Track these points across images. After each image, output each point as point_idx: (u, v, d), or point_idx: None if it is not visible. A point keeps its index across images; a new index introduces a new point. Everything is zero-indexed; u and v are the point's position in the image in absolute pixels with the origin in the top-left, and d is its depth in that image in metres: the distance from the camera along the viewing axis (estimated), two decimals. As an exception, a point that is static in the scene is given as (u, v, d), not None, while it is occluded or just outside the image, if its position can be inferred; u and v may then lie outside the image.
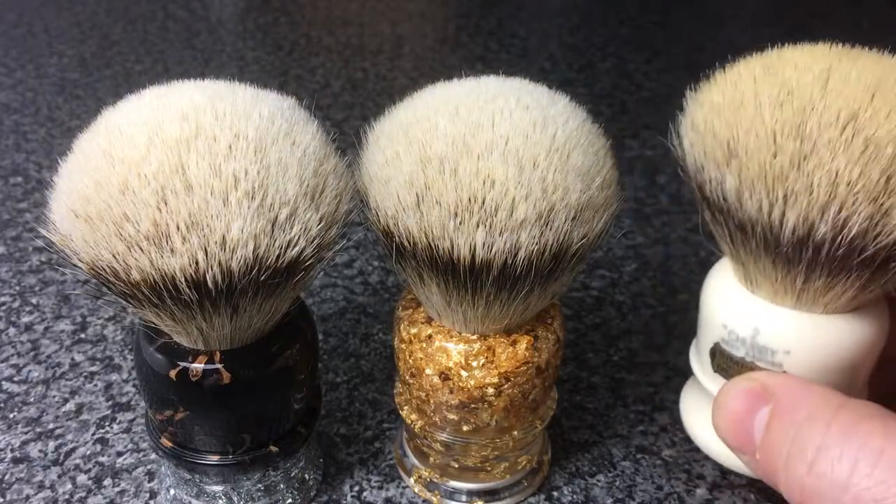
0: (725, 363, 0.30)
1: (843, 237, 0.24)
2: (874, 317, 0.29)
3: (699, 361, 0.32)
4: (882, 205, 0.24)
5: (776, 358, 0.28)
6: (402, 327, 0.31)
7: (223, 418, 0.29)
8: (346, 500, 0.34)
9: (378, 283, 0.48)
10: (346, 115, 0.69)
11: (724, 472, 0.36)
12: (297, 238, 0.25)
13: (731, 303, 0.30)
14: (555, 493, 0.35)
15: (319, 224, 0.26)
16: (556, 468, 0.36)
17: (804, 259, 0.26)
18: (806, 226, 0.25)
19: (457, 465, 0.33)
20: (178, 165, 0.24)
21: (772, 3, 1.06)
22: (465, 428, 0.31)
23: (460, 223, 0.26)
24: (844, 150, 0.23)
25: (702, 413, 0.32)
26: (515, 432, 0.32)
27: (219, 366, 0.28)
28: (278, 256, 0.25)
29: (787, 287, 0.27)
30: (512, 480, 0.34)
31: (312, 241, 0.26)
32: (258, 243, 0.25)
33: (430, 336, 0.30)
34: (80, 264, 0.26)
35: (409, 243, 0.27)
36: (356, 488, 0.35)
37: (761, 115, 0.25)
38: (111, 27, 0.88)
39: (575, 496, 0.35)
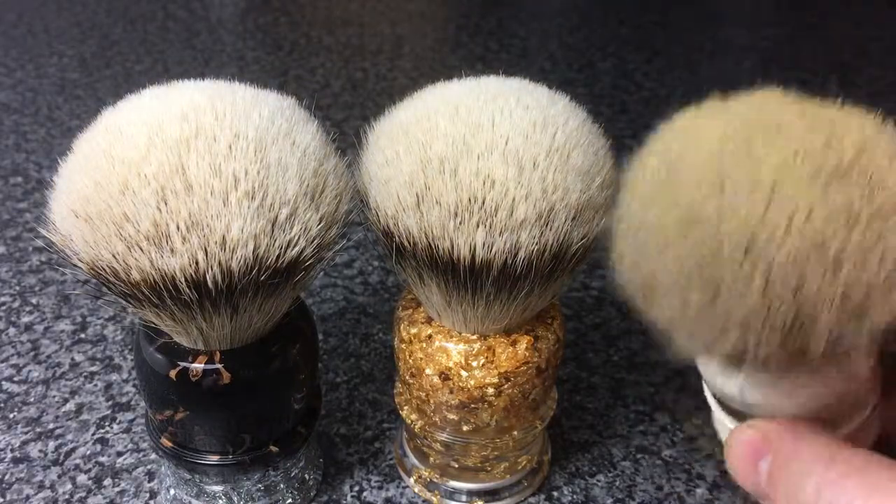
0: (729, 410, 0.30)
1: None
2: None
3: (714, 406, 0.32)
4: None
5: (759, 412, 0.28)
6: (402, 327, 0.31)
7: (223, 418, 0.29)
8: (346, 500, 0.34)
9: (378, 283, 0.48)
10: (346, 115, 0.69)
11: (724, 472, 0.35)
12: (297, 238, 0.25)
13: (714, 376, 0.29)
14: (555, 493, 0.35)
15: (319, 224, 0.26)
16: (556, 468, 0.36)
17: None
18: None
19: (457, 465, 0.33)
20: (178, 165, 0.24)
21: (772, 3, 1.06)
22: (465, 428, 0.31)
23: (460, 223, 0.26)
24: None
25: None
26: (515, 432, 0.32)
27: (219, 366, 0.28)
28: (278, 256, 0.25)
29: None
30: (512, 480, 0.34)
31: (312, 241, 0.26)
32: (258, 243, 0.25)
33: (430, 336, 0.30)
34: (80, 264, 0.26)
35: (409, 243, 0.27)
36: (356, 488, 0.35)
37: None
38: (111, 27, 0.88)
39: (575, 496, 0.35)
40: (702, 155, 0.23)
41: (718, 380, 0.29)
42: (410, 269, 0.29)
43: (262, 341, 0.29)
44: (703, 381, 0.32)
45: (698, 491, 0.35)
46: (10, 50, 0.81)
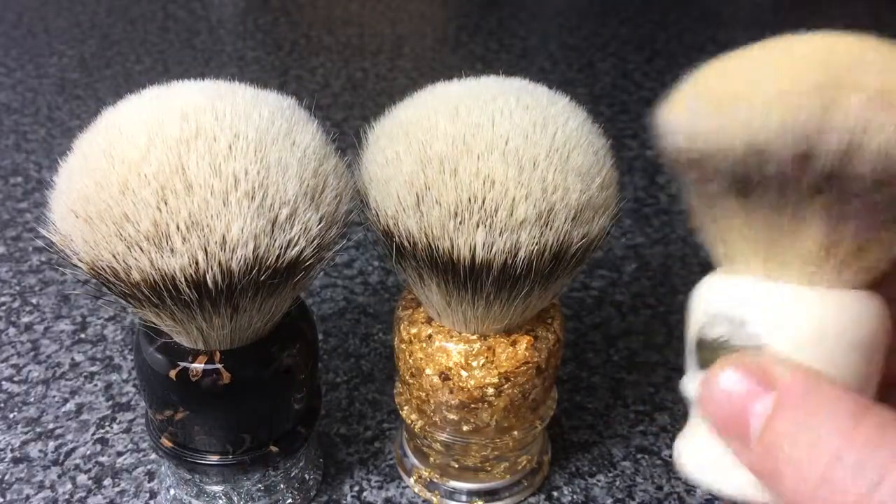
0: (708, 353, 0.24)
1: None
2: (877, 300, 0.23)
3: (688, 381, 0.28)
4: None
5: (752, 329, 0.23)
6: (402, 327, 0.31)
7: (223, 418, 0.29)
8: (346, 500, 0.34)
9: (378, 283, 0.48)
10: (346, 115, 0.69)
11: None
12: (297, 238, 0.25)
13: (711, 289, 0.25)
14: (555, 493, 0.35)
15: (319, 224, 0.26)
16: (556, 468, 0.36)
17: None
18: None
19: (457, 465, 0.33)
20: (178, 165, 0.24)
21: (772, 3, 1.06)
22: (465, 428, 0.31)
23: (460, 223, 0.26)
24: None
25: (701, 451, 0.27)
26: (515, 432, 0.32)
27: (219, 366, 0.28)
28: (278, 256, 0.25)
29: (785, 254, 0.23)
30: (512, 480, 0.34)
31: (312, 241, 0.26)
32: (258, 243, 0.25)
33: (430, 336, 0.30)
34: (80, 264, 0.26)
35: (409, 243, 0.27)
36: (356, 488, 0.35)
37: None
38: (111, 27, 0.88)
39: (575, 496, 0.35)
40: None
41: (711, 305, 0.25)
42: (410, 269, 0.29)
43: (263, 341, 0.29)
44: (684, 378, 0.28)
45: (698, 491, 0.35)
46: (10, 50, 0.81)
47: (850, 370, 0.23)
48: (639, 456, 0.37)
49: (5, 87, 0.73)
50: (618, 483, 0.35)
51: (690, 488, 0.35)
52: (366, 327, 0.45)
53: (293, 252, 0.25)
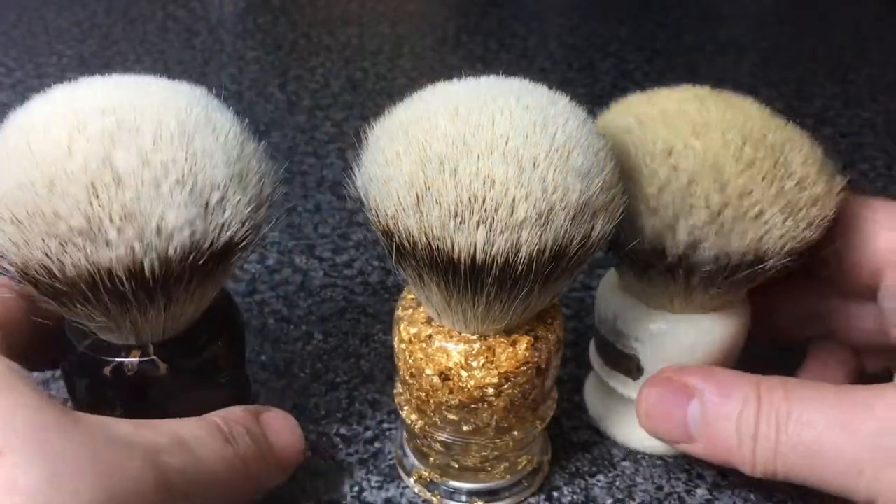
0: (610, 354, 0.35)
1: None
2: (729, 318, 0.33)
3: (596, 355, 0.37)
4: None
5: (630, 343, 0.34)
6: (402, 328, 0.31)
7: (161, 410, 0.29)
8: (345, 500, 0.34)
9: (378, 283, 0.48)
10: (346, 115, 0.69)
11: (724, 472, 0.35)
12: (229, 221, 0.26)
13: (604, 295, 0.36)
14: (555, 494, 0.35)
15: (249, 206, 0.27)
16: (556, 468, 0.36)
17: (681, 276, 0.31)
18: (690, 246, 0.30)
19: (457, 466, 0.33)
20: (105, 158, 0.24)
21: (772, 3, 1.06)
22: (465, 428, 0.31)
23: (460, 223, 0.26)
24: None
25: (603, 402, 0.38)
26: (515, 432, 0.32)
27: (154, 357, 0.28)
28: (213, 241, 0.26)
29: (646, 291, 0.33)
30: (512, 481, 0.34)
31: (244, 224, 0.27)
32: (194, 229, 0.25)
33: (430, 336, 0.30)
34: (9, 268, 0.26)
35: (409, 243, 0.27)
36: (356, 488, 0.35)
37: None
38: (111, 27, 0.88)
39: (575, 496, 0.35)
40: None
41: (601, 307, 0.36)
42: (410, 269, 0.29)
43: (193, 329, 0.29)
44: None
45: (698, 491, 0.35)
46: (9, 50, 0.81)
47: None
48: (639, 456, 0.37)
49: (5, 87, 0.73)
50: (618, 483, 0.35)
51: (690, 488, 0.35)
52: (366, 327, 0.45)
53: (227, 235, 0.26)
